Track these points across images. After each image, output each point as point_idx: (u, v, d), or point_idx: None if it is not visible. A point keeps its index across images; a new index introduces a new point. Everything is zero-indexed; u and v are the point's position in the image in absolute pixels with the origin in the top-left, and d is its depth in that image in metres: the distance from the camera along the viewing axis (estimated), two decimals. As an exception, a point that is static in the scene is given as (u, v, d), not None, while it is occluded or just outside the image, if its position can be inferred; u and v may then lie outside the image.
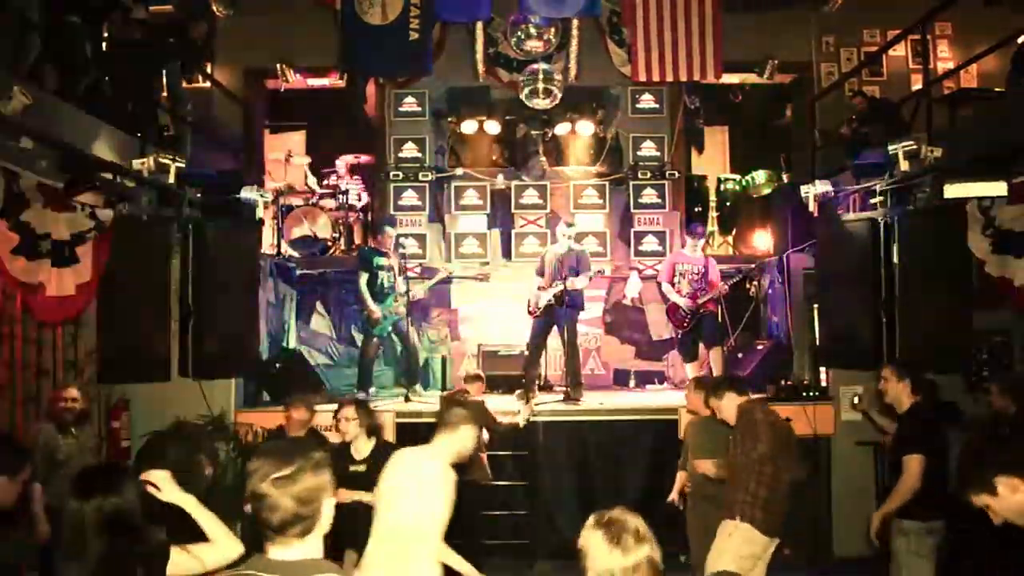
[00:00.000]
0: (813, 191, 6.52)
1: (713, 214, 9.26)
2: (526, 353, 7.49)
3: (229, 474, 6.09)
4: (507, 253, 8.76)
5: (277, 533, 1.92)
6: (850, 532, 6.40)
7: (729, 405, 4.62)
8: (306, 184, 9.18)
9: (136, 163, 5.43)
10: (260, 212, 6.91)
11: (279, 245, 8.54)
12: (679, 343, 7.85)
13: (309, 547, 1.96)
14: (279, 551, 1.94)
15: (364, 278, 7.40)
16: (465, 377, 6.75)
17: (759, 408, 4.60)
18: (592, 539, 2.03)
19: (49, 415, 5.15)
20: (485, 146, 8.88)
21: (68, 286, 5.12)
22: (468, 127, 8.65)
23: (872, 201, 6.02)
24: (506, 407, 6.69)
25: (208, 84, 7.64)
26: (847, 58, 8.32)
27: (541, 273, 7.41)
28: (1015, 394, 5.12)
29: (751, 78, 8.59)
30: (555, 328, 7.40)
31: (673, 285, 7.54)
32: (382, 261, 7.47)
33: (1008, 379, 5.35)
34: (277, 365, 7.35)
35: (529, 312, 7.43)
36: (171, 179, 5.55)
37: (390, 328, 7.52)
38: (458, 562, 3.67)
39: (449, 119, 8.80)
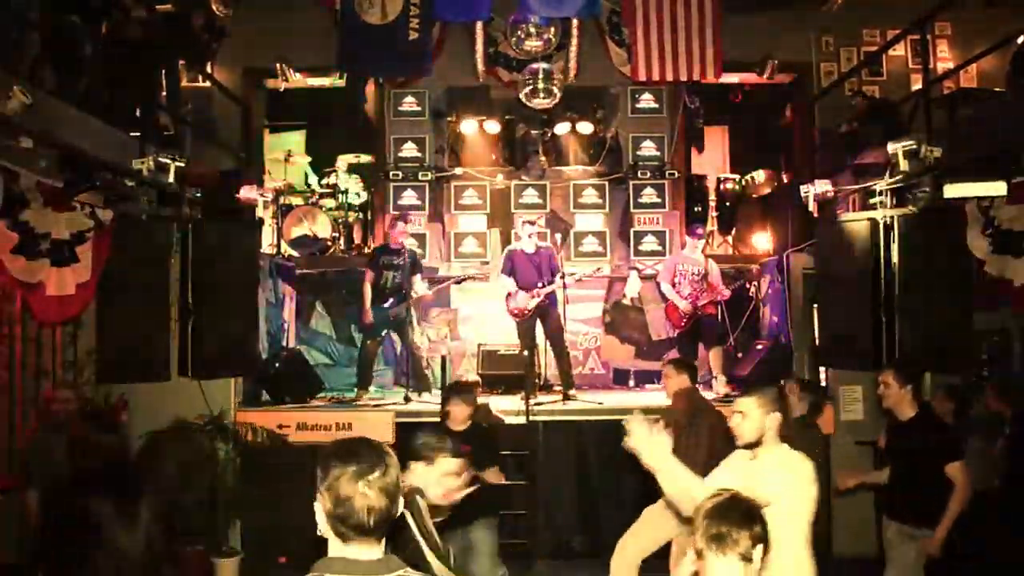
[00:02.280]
0: (813, 191, 6.51)
1: (713, 214, 9.25)
2: (526, 355, 7.46)
3: (229, 474, 6.09)
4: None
5: (369, 534, 1.87)
6: (849, 531, 6.42)
7: None
8: (305, 183, 9.17)
9: (136, 163, 5.43)
10: (260, 212, 6.90)
11: (279, 245, 8.54)
12: (679, 343, 7.84)
13: (383, 546, 1.91)
14: (359, 551, 1.88)
15: (369, 276, 7.22)
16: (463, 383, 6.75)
17: None
18: None
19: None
20: (485, 146, 8.86)
21: (68, 285, 5.13)
22: (468, 127, 8.63)
23: (872, 201, 6.02)
24: (507, 407, 6.69)
25: (208, 84, 7.64)
26: (847, 58, 8.31)
27: (509, 273, 7.37)
28: (1009, 397, 5.13)
29: (751, 78, 8.59)
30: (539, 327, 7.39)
31: (674, 286, 7.53)
32: (388, 259, 7.27)
33: (1003, 382, 5.35)
34: (277, 365, 7.33)
35: (513, 315, 7.37)
36: (171, 179, 5.55)
37: (383, 332, 7.44)
38: None
39: (449, 119, 8.79)
